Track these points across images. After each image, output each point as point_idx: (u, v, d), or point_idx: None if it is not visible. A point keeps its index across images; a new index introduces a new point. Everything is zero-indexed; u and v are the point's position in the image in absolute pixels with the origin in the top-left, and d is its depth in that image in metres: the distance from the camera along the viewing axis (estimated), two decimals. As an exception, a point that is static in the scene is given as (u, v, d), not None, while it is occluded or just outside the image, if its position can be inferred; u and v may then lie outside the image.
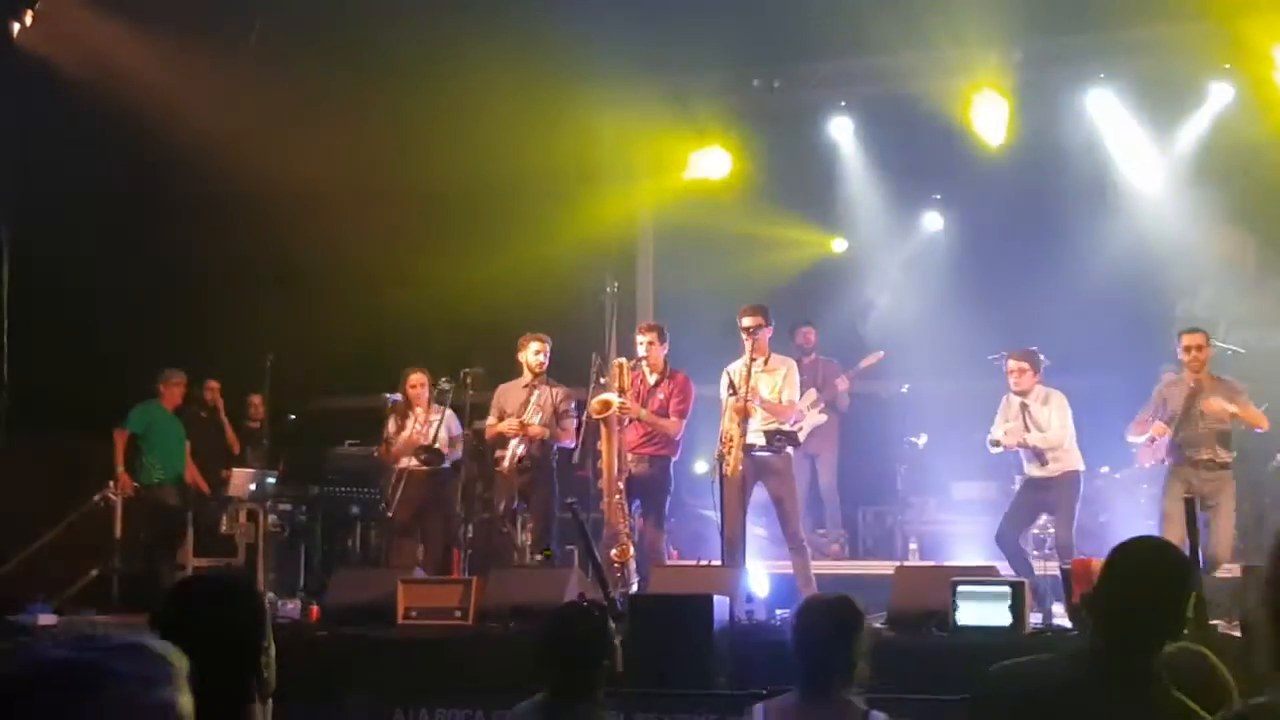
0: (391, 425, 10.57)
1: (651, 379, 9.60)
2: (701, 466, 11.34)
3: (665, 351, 9.67)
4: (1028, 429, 9.58)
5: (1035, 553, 9.90)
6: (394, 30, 11.85)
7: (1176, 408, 9.49)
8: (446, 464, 10.41)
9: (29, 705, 1.40)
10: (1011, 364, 9.68)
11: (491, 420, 10.00)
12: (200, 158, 11.66)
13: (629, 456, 9.39)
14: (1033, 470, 9.64)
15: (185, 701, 1.48)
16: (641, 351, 9.56)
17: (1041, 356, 9.82)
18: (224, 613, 2.81)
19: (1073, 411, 9.59)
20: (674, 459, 9.69)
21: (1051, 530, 10.87)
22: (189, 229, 12.12)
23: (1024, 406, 9.62)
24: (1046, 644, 7.00)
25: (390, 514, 10.44)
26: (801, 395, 10.18)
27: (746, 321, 9.22)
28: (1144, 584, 3.09)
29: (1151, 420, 9.60)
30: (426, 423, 10.41)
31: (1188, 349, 9.52)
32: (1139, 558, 3.19)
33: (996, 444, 9.72)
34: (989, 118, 12.29)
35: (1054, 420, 9.55)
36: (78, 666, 1.43)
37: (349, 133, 11.94)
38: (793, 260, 13.52)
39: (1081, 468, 9.64)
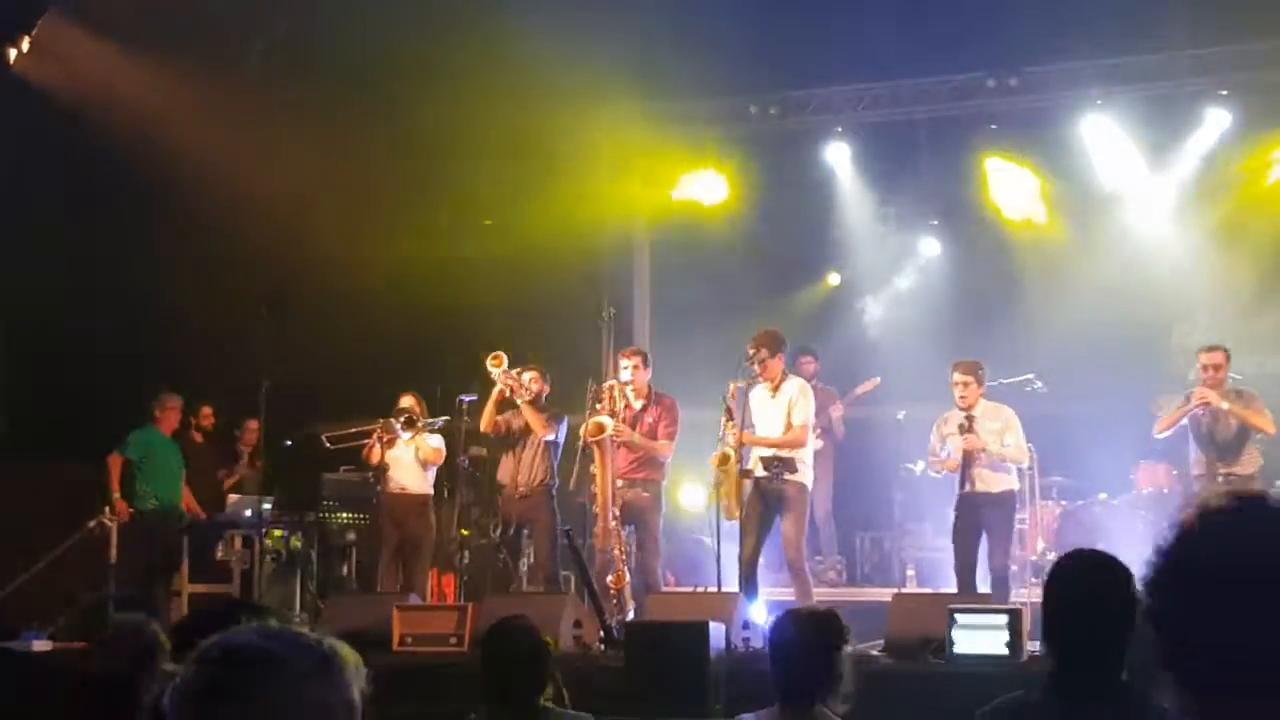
0: (377, 442, 10.53)
1: (637, 403, 9.55)
2: (694, 492, 11.30)
3: (649, 376, 9.62)
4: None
5: (1034, 580, 9.83)
6: (390, 53, 11.86)
7: (1199, 431, 9.40)
8: (414, 430, 10.27)
9: (216, 681, 1.62)
10: (956, 376, 9.12)
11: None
12: (197, 183, 11.65)
13: (618, 482, 9.34)
14: (978, 486, 9.10)
15: (353, 695, 1.65)
16: (626, 376, 9.49)
17: (1038, 377, 9.71)
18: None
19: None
20: (664, 483, 9.64)
21: (1051, 556, 10.80)
22: (185, 254, 12.10)
23: (970, 419, 9.12)
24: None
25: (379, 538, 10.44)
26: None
27: (751, 351, 9.05)
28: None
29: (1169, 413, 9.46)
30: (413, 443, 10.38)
31: (1205, 368, 9.32)
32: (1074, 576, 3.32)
33: (946, 458, 9.18)
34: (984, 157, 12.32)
35: (1012, 436, 9.14)
36: (256, 650, 1.63)
37: (346, 158, 11.94)
38: (789, 285, 13.49)
39: (1018, 488, 9.41)
